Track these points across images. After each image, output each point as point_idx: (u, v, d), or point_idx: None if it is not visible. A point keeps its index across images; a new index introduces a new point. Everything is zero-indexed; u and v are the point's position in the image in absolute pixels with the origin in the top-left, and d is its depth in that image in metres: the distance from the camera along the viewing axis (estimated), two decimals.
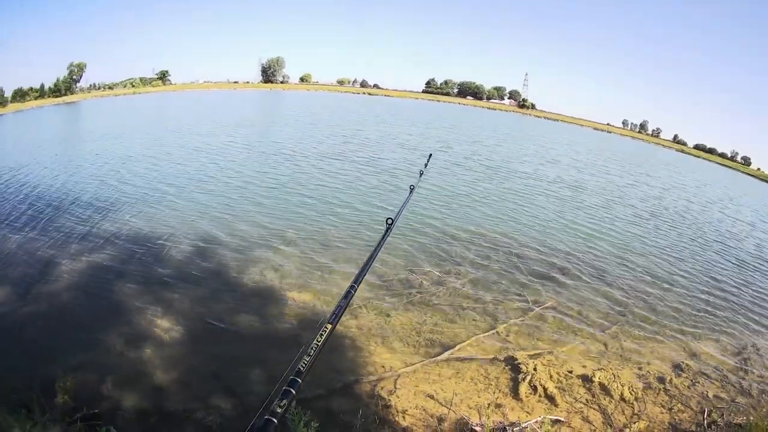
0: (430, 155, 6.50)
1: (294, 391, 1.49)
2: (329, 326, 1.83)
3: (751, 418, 6.55)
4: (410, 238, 12.12)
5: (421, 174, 4.94)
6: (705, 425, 6.44)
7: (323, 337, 1.76)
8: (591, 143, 63.19)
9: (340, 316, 1.95)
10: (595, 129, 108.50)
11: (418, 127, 44.79)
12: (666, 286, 11.92)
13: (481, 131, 49.54)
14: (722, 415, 6.79)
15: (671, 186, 34.84)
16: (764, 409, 7.28)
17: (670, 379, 7.39)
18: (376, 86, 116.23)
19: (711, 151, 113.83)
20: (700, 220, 22.68)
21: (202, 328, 7.52)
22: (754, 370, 8.62)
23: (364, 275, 2.41)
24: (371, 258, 2.61)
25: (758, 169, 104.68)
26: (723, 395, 7.45)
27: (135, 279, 9.05)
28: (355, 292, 2.23)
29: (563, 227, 15.30)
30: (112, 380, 6.29)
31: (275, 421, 1.35)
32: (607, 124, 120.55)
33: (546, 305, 9.25)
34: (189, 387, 6.20)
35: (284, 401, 1.44)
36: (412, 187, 4.22)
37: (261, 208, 13.64)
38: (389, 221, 3.07)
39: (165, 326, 7.49)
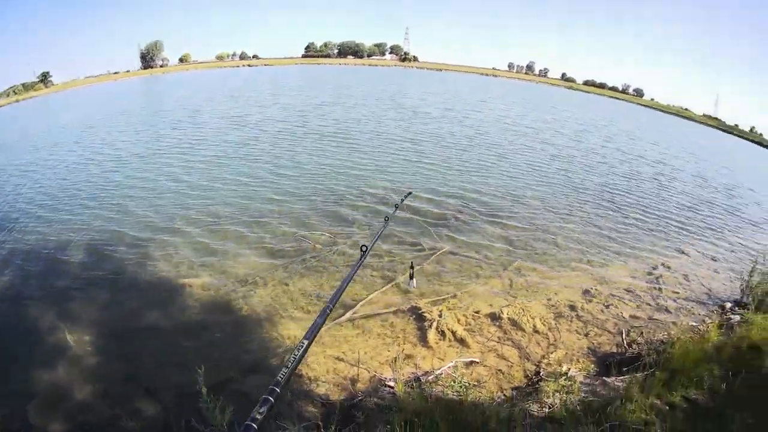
0: (410, 193, 6.42)
1: (273, 399, 1.64)
2: (306, 342, 1.97)
3: (673, 332, 6.71)
4: (297, 201, 11.90)
5: (396, 207, 4.87)
6: (625, 345, 6.54)
7: (300, 352, 1.90)
8: (470, 87, 65.81)
9: (317, 333, 2.10)
10: (481, 74, 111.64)
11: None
12: (565, 218, 12.29)
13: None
14: (641, 333, 6.93)
15: (562, 119, 38.10)
16: (685, 323, 7.49)
17: (582, 306, 7.47)
18: (255, 57, 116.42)
19: (602, 85, 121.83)
20: (591, 150, 24.62)
21: (112, 332, 7.06)
22: (668, 287, 8.91)
23: (339, 296, 2.58)
24: (347, 280, 2.76)
25: (652, 99, 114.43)
26: (640, 314, 7.62)
27: (35, 297, 8.30)
28: (330, 311, 2.40)
29: (452, 172, 15.48)
30: (33, 407, 5.82)
31: (255, 426, 1.51)
32: (493, 68, 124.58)
33: (443, 250, 9.18)
34: (109, 396, 5.83)
35: (263, 408, 1.59)
36: (386, 217, 4.12)
37: (139, 203, 12.58)
38: (363, 248, 3.16)
39: (75, 339, 6.95)
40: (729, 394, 4.94)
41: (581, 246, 10.40)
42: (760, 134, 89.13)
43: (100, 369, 6.36)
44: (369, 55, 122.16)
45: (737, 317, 7.86)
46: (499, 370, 5.74)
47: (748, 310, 7.96)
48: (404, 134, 22.63)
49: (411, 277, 4.69)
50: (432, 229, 10.29)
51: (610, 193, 15.93)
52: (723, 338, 6.59)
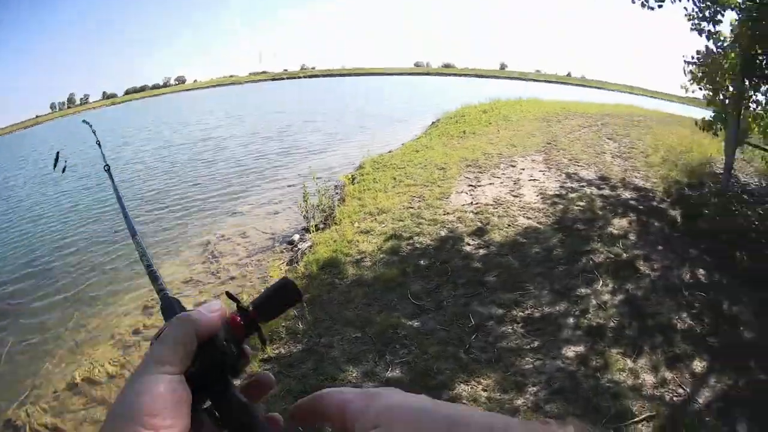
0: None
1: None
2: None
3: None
4: None
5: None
6: None
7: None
8: None
9: None
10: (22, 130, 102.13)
11: None
12: (107, 249, 11.18)
13: None
14: None
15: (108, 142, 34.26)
16: (250, 280, 8.34)
17: (144, 324, 7.80)
18: None
19: (143, 89, 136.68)
20: (131, 160, 23.38)
21: None
22: (227, 255, 9.54)
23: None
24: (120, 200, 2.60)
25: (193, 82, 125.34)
26: (204, 298, 8.01)
27: None
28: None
29: None
30: None
31: None
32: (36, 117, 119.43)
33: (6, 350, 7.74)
34: None
35: None
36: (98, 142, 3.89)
37: None
38: (107, 167, 2.99)
39: None
40: (311, 326, 5.59)
41: (125, 268, 9.96)
42: (313, 68, 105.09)
43: None
44: None
45: (307, 244, 8.53)
46: None
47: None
48: None
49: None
50: None
51: (144, 198, 15.16)
52: (289, 274, 7.13)
